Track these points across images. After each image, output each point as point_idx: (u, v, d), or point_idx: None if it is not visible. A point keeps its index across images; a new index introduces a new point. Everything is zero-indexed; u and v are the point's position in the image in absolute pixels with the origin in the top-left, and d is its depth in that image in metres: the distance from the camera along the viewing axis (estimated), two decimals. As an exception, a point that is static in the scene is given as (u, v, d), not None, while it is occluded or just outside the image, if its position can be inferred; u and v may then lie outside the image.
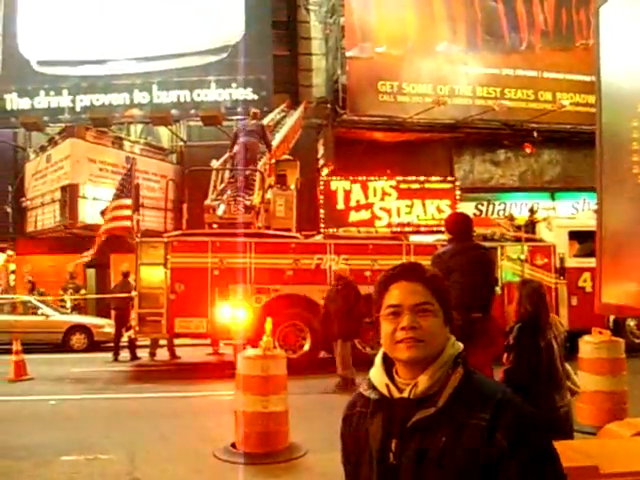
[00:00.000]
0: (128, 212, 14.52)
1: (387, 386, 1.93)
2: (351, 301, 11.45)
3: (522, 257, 14.67)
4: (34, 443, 8.14)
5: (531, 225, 16.48)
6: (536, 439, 1.82)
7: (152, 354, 16.14)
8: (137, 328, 13.62)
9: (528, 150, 24.48)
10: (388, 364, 1.98)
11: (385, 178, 22.55)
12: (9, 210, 23.71)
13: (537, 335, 5.16)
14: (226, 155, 16.21)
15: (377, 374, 1.99)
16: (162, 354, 16.16)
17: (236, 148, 15.66)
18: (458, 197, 22.94)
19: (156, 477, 6.89)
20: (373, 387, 1.98)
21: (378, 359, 2.02)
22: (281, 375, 7.56)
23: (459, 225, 6.63)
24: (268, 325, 7.97)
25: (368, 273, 13.72)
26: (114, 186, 16.06)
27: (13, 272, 24.13)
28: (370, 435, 1.94)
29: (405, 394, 1.89)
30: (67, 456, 7.54)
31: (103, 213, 15.59)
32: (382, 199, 22.55)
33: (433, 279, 1.98)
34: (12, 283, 23.26)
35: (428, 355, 1.89)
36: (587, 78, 21.52)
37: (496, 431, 1.78)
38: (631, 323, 15.09)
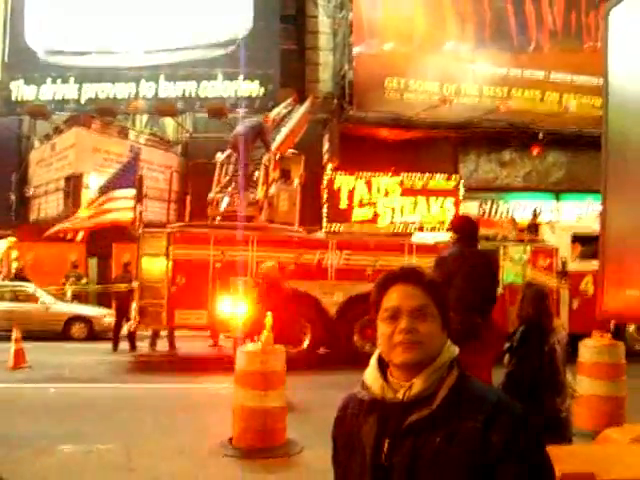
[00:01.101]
0: (129, 203, 14.52)
1: (382, 387, 1.93)
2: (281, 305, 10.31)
3: (524, 258, 14.65)
4: (31, 432, 8.15)
5: (534, 227, 16.47)
6: (530, 443, 1.82)
7: (152, 345, 16.15)
8: (137, 319, 13.63)
9: (535, 152, 24.42)
10: (383, 365, 1.97)
11: (389, 175, 22.52)
12: (13, 198, 23.72)
13: (541, 338, 5.15)
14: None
15: (372, 375, 1.98)
16: (162, 345, 16.17)
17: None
18: (462, 196, 22.91)
19: (152, 469, 6.87)
20: (367, 388, 1.97)
21: (373, 360, 2.01)
22: (280, 371, 7.56)
23: (465, 228, 6.59)
24: (268, 320, 7.96)
25: (369, 271, 13.69)
26: (112, 175, 15.87)
27: (16, 259, 24.13)
28: (363, 436, 1.93)
29: (399, 396, 1.89)
30: (64, 445, 7.54)
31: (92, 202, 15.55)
32: (386, 196, 22.52)
33: (432, 283, 1.97)
34: (14, 270, 23.23)
35: (424, 359, 1.88)
36: (594, 80, 21.38)
37: (491, 433, 1.78)
38: (631, 328, 15.05)
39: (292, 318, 11.32)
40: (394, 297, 1.93)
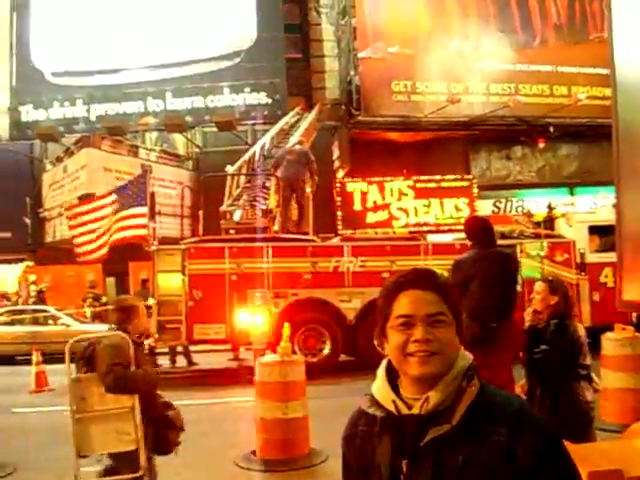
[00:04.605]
0: (142, 220, 14.49)
1: (394, 402, 1.80)
2: None
3: (542, 254, 14.52)
4: (55, 455, 8.07)
5: (550, 221, 16.34)
6: (555, 451, 1.74)
7: (172, 361, 16.13)
8: (156, 336, 13.62)
9: (541, 145, 24.33)
10: (392, 377, 1.85)
11: (402, 178, 22.48)
12: (28, 221, 23.85)
13: (573, 330, 5.13)
14: (241, 160, 16.16)
15: (382, 389, 1.85)
16: (183, 361, 16.14)
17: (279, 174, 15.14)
18: (475, 195, 22.83)
19: (177, 486, 6.83)
20: (377, 404, 1.84)
21: (381, 372, 1.88)
22: (300, 381, 7.49)
23: (478, 231, 6.42)
24: (286, 330, 7.90)
25: (386, 274, 13.60)
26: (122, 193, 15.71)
27: (34, 283, 24.24)
28: (378, 455, 1.80)
29: (415, 410, 1.76)
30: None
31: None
32: (399, 199, 22.48)
33: (446, 286, 1.85)
34: (32, 294, 23.34)
35: (441, 370, 1.76)
36: (603, 71, 21.17)
37: (516, 446, 1.68)
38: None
39: None
40: (406, 303, 1.80)
